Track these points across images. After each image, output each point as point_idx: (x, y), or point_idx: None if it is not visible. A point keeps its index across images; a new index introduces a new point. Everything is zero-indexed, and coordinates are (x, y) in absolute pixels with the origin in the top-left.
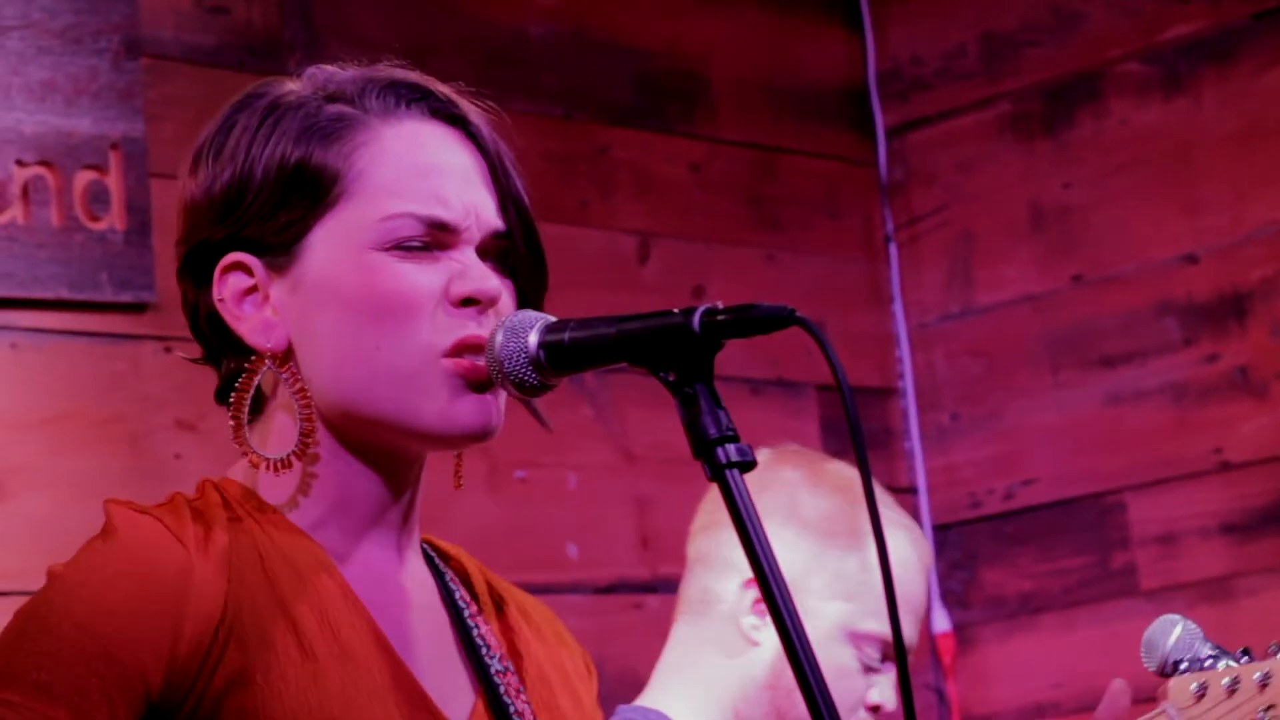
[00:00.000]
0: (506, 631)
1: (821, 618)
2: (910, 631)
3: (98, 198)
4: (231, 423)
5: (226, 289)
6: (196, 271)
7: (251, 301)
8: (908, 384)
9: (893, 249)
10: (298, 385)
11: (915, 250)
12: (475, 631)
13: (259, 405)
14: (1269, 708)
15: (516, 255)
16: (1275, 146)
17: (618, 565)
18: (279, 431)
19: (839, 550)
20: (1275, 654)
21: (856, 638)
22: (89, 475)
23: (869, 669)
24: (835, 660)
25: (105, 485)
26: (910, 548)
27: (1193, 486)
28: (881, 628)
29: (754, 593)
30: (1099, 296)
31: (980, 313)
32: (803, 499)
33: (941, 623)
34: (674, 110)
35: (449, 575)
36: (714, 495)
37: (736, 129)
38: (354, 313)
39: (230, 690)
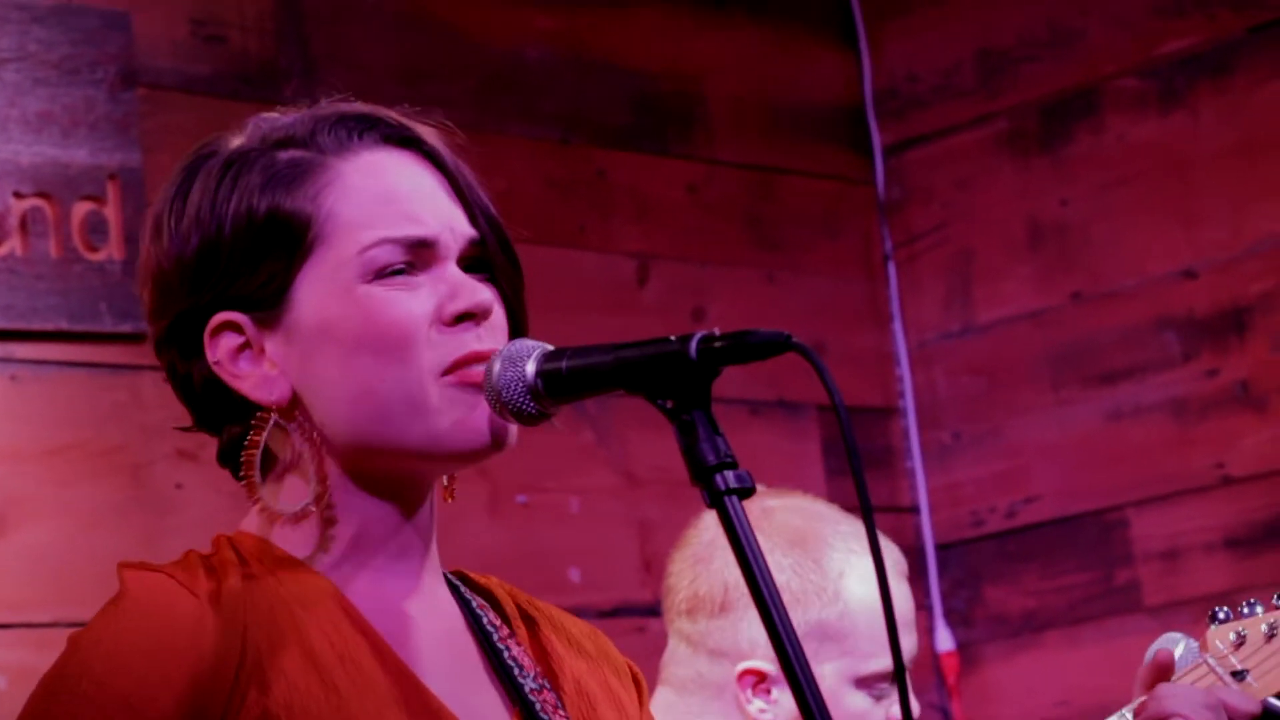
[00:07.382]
0: (540, 651)
1: (825, 679)
2: (909, 643)
3: (96, 228)
4: (245, 482)
5: (220, 350)
6: (182, 342)
7: (247, 358)
8: (908, 403)
9: (891, 268)
10: (307, 433)
11: (914, 269)
12: (506, 654)
13: (266, 463)
14: None
15: (494, 260)
16: (1273, 159)
17: (620, 589)
18: (291, 485)
19: (815, 610)
20: None
21: (863, 681)
22: (90, 506)
23: (881, 698)
24: (852, 708)
25: (107, 516)
26: (886, 560)
27: (1195, 501)
28: (881, 665)
29: (752, 681)
30: (1099, 312)
31: (980, 330)
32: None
33: (945, 642)
34: (671, 132)
35: (475, 602)
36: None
37: (734, 150)
38: (352, 349)
39: None
